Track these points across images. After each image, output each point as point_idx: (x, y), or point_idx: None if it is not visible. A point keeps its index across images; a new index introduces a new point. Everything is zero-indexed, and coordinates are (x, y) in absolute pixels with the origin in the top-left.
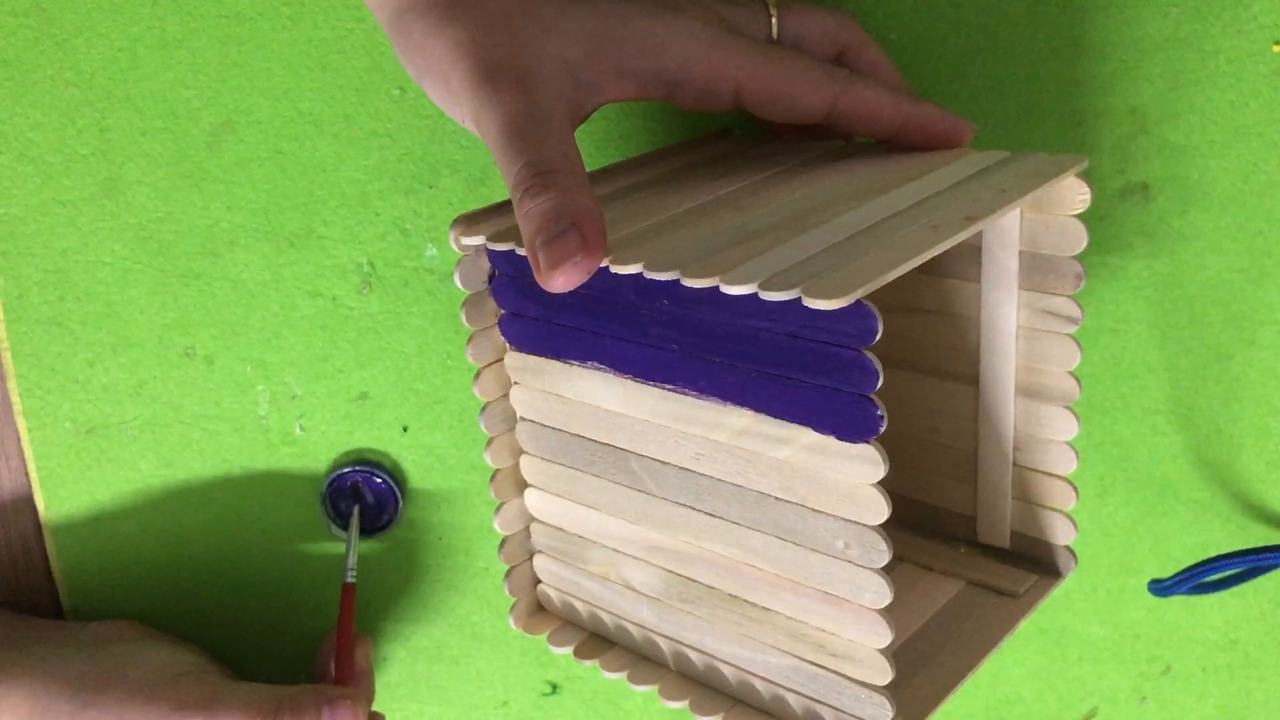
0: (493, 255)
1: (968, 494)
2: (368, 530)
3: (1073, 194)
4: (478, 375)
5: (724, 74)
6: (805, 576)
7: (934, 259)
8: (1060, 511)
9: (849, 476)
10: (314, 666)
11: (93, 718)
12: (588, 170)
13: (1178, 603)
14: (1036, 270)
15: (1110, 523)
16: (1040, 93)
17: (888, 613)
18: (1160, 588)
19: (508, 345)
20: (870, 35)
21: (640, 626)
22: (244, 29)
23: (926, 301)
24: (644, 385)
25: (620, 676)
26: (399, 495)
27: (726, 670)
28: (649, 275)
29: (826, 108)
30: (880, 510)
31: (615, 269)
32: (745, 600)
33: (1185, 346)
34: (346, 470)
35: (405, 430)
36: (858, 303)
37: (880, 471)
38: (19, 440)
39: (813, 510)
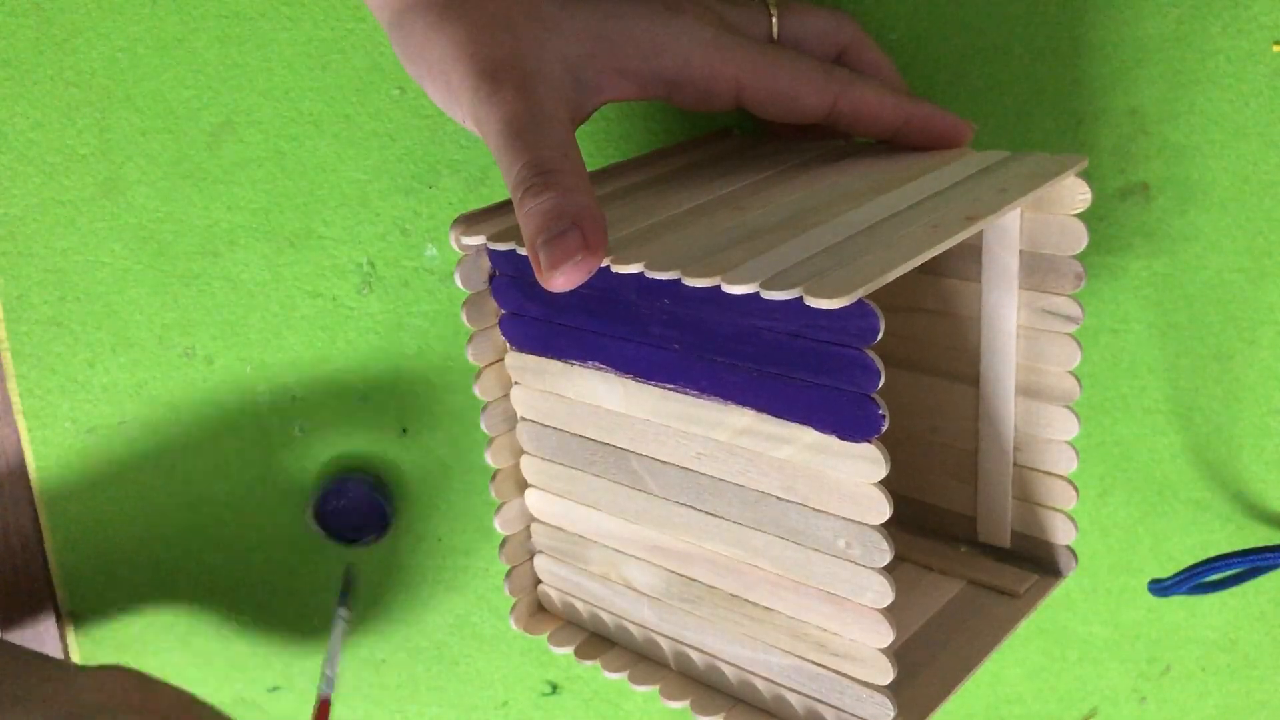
0: (493, 255)
1: (968, 494)
2: (360, 540)
3: (1073, 194)
4: (478, 375)
5: (724, 74)
6: (806, 576)
7: (934, 259)
8: (1060, 511)
9: (850, 476)
10: None
11: None
12: (588, 170)
13: (1178, 603)
14: (1037, 270)
15: (1110, 523)
16: (1040, 93)
17: (889, 612)
18: (1160, 588)
19: (508, 345)
20: (870, 35)
21: (641, 626)
22: (244, 29)
23: (927, 301)
24: (645, 385)
25: (621, 676)
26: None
27: (727, 670)
28: (650, 275)
29: (827, 108)
30: (882, 510)
31: (616, 268)
32: (746, 600)
33: (1185, 346)
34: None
35: (405, 431)
36: (859, 302)
37: (881, 471)
38: (19, 440)
39: (814, 510)
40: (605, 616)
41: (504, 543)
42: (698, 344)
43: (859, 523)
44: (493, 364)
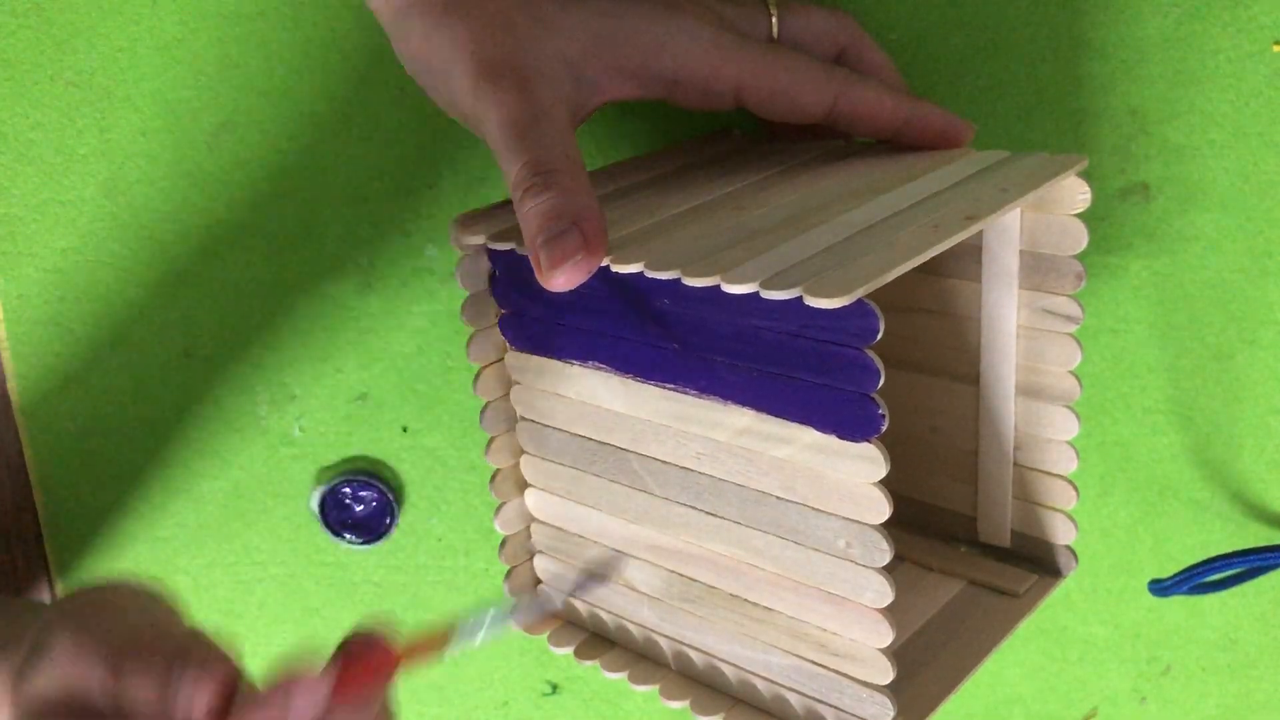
0: (493, 255)
1: (968, 493)
2: (365, 540)
3: (1073, 193)
4: (478, 375)
5: (724, 73)
6: (806, 576)
7: (934, 258)
8: (1060, 511)
9: (850, 476)
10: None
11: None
12: (588, 170)
13: (1178, 603)
14: (1037, 270)
15: (1110, 523)
16: (1040, 93)
17: (889, 612)
18: (1160, 588)
19: (508, 345)
20: (870, 35)
21: (641, 626)
22: (244, 29)
23: (927, 301)
24: (645, 385)
25: (621, 676)
26: (393, 506)
27: (727, 670)
28: (650, 274)
29: (827, 107)
30: (881, 509)
31: (616, 268)
32: (746, 600)
33: (1185, 346)
34: (338, 481)
35: (405, 431)
36: (859, 302)
37: (881, 471)
38: (19, 440)
39: (814, 509)
40: (605, 616)
41: (504, 543)
42: (698, 344)
43: (859, 522)
44: (493, 364)
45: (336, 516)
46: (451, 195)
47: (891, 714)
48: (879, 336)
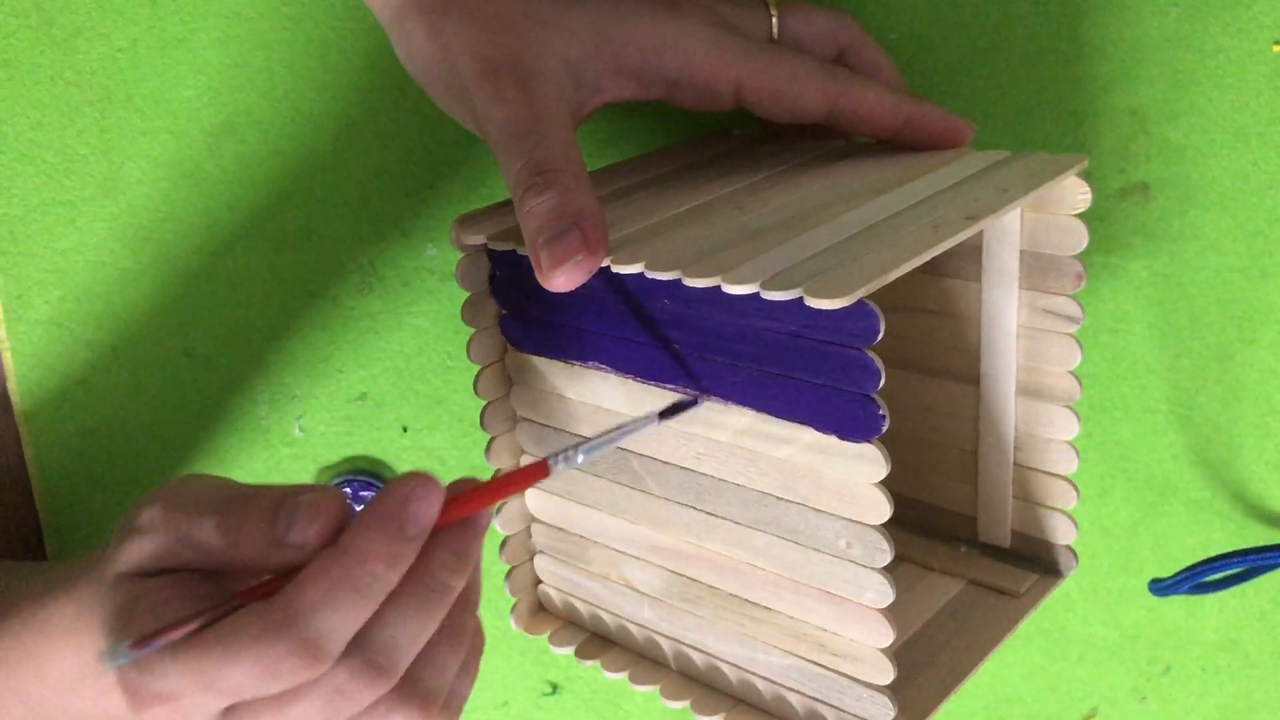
0: (493, 255)
1: (968, 494)
2: None
3: (1073, 194)
4: (478, 375)
5: (725, 74)
6: (807, 576)
7: (935, 258)
8: (1061, 511)
9: (850, 476)
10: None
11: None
12: (588, 170)
13: (1178, 603)
14: (1037, 270)
15: (1110, 523)
16: (1040, 93)
17: (889, 612)
18: (1160, 588)
19: (508, 345)
20: (870, 35)
21: (641, 626)
22: (244, 29)
23: (927, 301)
24: (645, 385)
25: (621, 676)
26: None
27: (728, 670)
28: (650, 274)
29: (827, 107)
30: (882, 510)
31: (616, 268)
32: (747, 600)
33: (1185, 346)
34: (338, 481)
35: (405, 431)
36: (859, 302)
37: (882, 471)
38: (19, 439)
39: (814, 510)
40: (605, 616)
41: (504, 543)
42: (698, 344)
43: (859, 523)
44: (493, 364)
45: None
46: (451, 195)
47: (892, 714)
48: (879, 337)
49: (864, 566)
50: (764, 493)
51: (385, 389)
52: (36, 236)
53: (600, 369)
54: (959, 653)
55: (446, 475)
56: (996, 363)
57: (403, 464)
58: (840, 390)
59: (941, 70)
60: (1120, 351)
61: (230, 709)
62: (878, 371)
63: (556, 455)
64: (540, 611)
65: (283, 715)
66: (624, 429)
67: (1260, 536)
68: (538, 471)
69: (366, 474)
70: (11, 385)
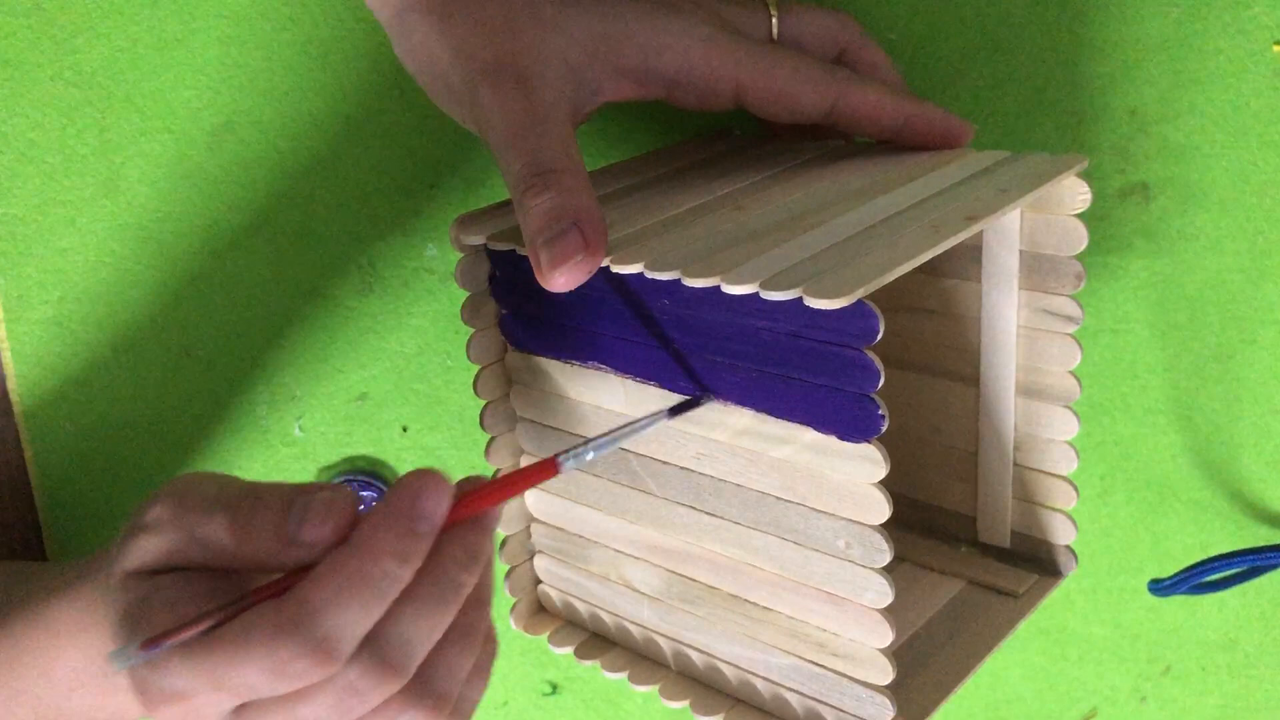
0: (493, 255)
1: (968, 494)
2: None
3: (1073, 194)
4: (478, 375)
5: (724, 74)
6: (806, 576)
7: (934, 259)
8: (1060, 511)
9: (850, 476)
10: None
11: None
12: (588, 170)
13: (1178, 603)
14: (1037, 270)
15: (1110, 523)
16: (1040, 93)
17: (889, 612)
18: (1160, 588)
19: (508, 345)
20: (870, 35)
21: (641, 626)
22: (244, 29)
23: (927, 301)
24: (645, 385)
25: (621, 676)
26: None
27: (727, 670)
28: (650, 275)
29: (827, 108)
30: (881, 510)
31: (616, 268)
32: (746, 600)
33: (1185, 346)
34: (338, 481)
35: (405, 431)
36: (859, 302)
37: (881, 471)
38: (19, 439)
39: (814, 510)
40: (605, 616)
41: (504, 543)
42: (698, 344)
43: (859, 523)
44: (493, 364)
45: None
46: (451, 195)
47: (891, 714)
48: (879, 337)
49: (864, 567)
50: (764, 493)
51: (385, 389)
52: (36, 236)
53: (600, 369)
54: (959, 653)
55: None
56: (996, 363)
57: (403, 464)
58: (840, 390)
59: (941, 70)
60: (1120, 351)
61: (241, 707)
62: (877, 371)
63: (566, 453)
64: (540, 611)
65: (294, 713)
66: (634, 426)
67: (1260, 536)
68: (548, 469)
69: (366, 474)
70: (11, 385)
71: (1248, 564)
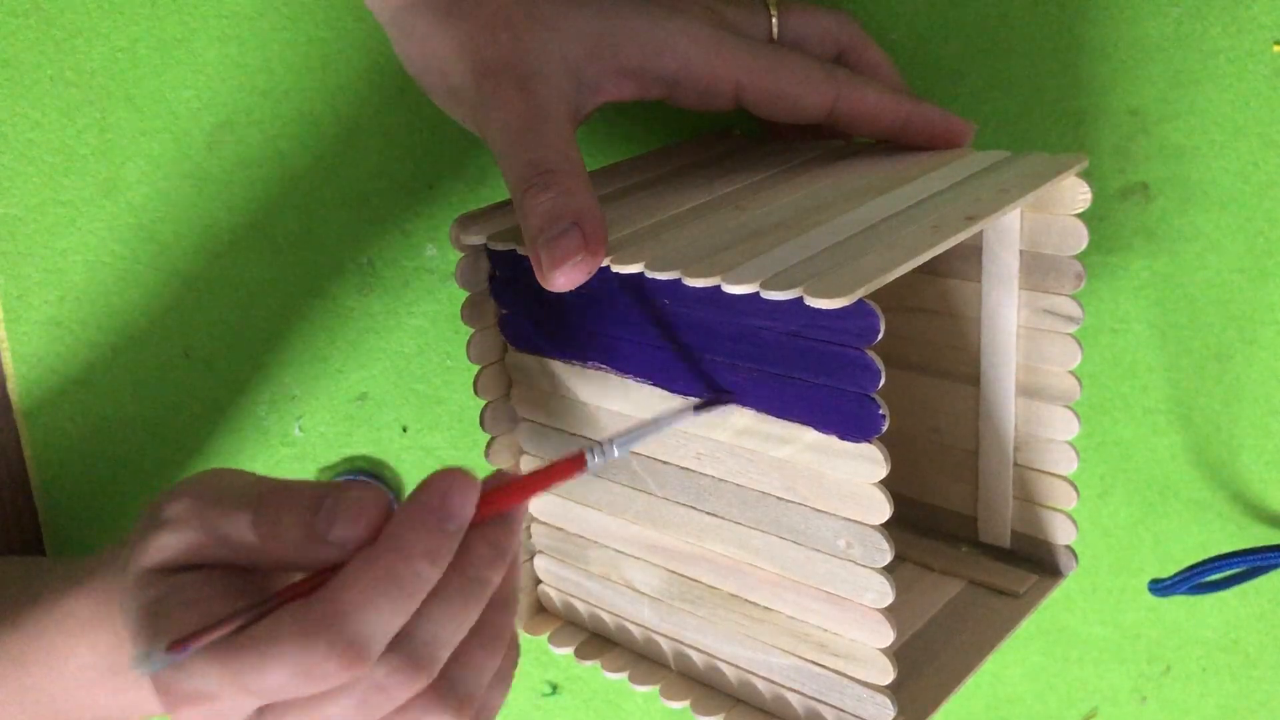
0: (493, 255)
1: (968, 494)
2: None
3: (1073, 193)
4: (478, 375)
5: (724, 74)
6: (807, 576)
7: (935, 259)
8: (1061, 511)
9: (851, 476)
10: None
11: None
12: (588, 170)
13: (1178, 603)
14: (1037, 270)
15: (1110, 523)
16: (1040, 93)
17: (889, 612)
18: (1160, 588)
19: (508, 345)
20: (870, 35)
21: (641, 626)
22: (244, 29)
23: (927, 301)
24: (645, 385)
25: (621, 677)
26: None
27: (728, 670)
28: (650, 274)
29: (827, 108)
30: (882, 510)
31: (616, 268)
32: (747, 600)
33: (1185, 346)
34: (339, 479)
35: (405, 431)
36: (859, 302)
37: (882, 471)
38: (19, 439)
39: (814, 510)
40: (605, 617)
41: None
42: (698, 344)
43: (859, 523)
44: (493, 364)
45: None
46: (451, 195)
47: (892, 714)
48: (879, 337)
49: (864, 566)
50: (764, 493)
51: (385, 389)
52: (36, 236)
53: (600, 369)
54: (959, 653)
55: None
56: (996, 363)
57: (403, 464)
58: (840, 390)
59: (941, 70)
60: (1120, 351)
61: (265, 706)
62: (878, 371)
63: (592, 449)
64: (540, 611)
65: (319, 713)
66: (660, 421)
67: (1260, 536)
68: (575, 464)
69: (366, 474)
70: (11, 385)
71: (1248, 564)
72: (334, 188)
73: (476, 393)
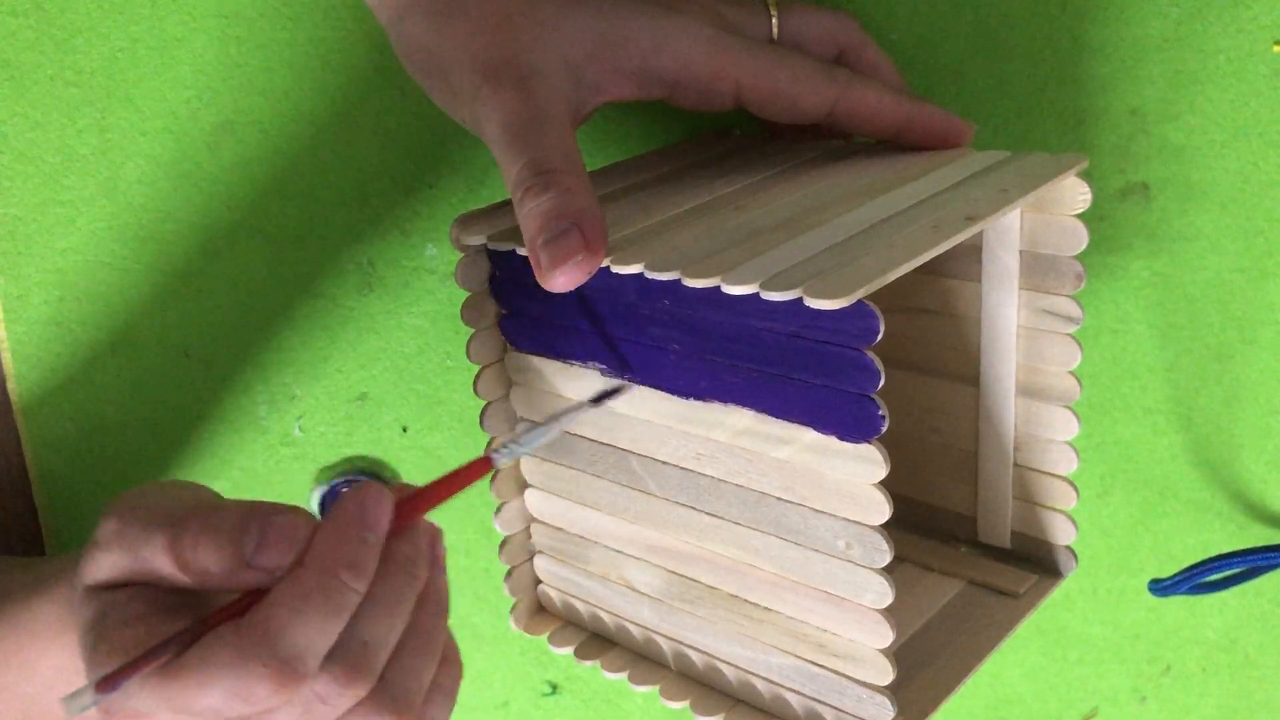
0: (493, 255)
1: (968, 494)
2: None
3: (1073, 194)
4: (478, 375)
5: (724, 74)
6: (806, 576)
7: (934, 259)
8: (1060, 511)
9: (850, 476)
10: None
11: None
12: (588, 170)
13: (1178, 603)
14: (1037, 270)
15: (1110, 523)
16: (1040, 93)
17: (889, 613)
18: (1160, 588)
19: (508, 345)
20: (870, 35)
21: (641, 627)
22: (244, 29)
23: (927, 301)
24: (643, 385)
25: (621, 677)
26: None
27: (727, 670)
28: (650, 275)
29: (827, 108)
30: (881, 510)
31: (616, 269)
32: (746, 600)
33: (1185, 346)
34: (338, 481)
35: (405, 431)
36: (859, 303)
37: (881, 471)
38: (19, 439)
39: (814, 510)
40: (605, 617)
41: (504, 543)
42: (698, 345)
43: (859, 523)
44: (493, 364)
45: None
46: (451, 195)
47: (891, 714)
48: (879, 337)
49: (864, 567)
50: (763, 493)
51: (385, 389)
52: (36, 236)
53: (600, 369)
54: (959, 653)
55: None
56: (996, 363)
57: (403, 464)
58: (840, 391)
59: (941, 70)
60: (1120, 351)
61: None
62: (877, 372)
63: (497, 449)
64: (540, 612)
65: None
66: (558, 417)
67: (1260, 536)
68: (481, 466)
69: (366, 474)
70: (11, 385)
71: (1248, 564)
72: (334, 188)
73: (476, 393)
